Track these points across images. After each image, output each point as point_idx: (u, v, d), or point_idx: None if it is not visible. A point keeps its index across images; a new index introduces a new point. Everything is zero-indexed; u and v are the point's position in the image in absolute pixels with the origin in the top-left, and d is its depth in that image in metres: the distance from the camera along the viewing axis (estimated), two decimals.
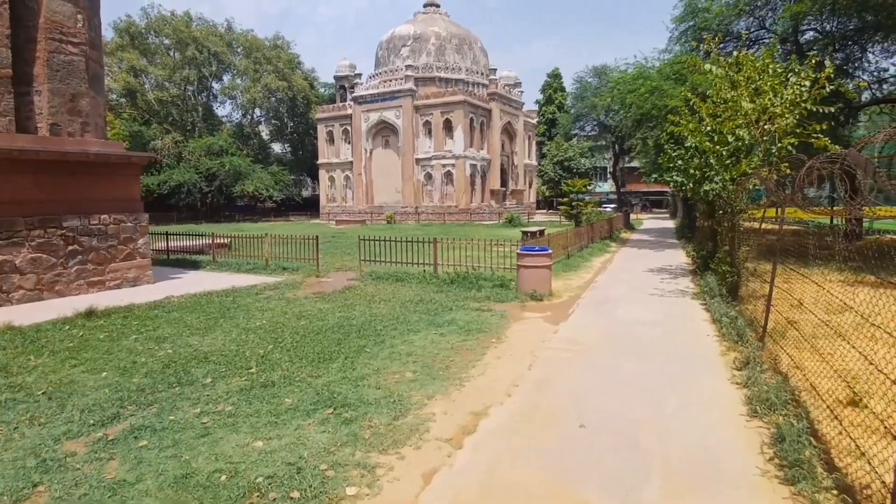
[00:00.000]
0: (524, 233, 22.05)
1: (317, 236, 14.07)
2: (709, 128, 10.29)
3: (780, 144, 8.97)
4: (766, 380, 5.20)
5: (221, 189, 48.04)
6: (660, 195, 64.39)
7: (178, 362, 5.90)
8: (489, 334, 7.37)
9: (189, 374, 5.51)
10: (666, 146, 12.60)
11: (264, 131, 63.08)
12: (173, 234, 16.81)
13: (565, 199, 23.65)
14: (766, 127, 8.98)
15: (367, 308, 9.03)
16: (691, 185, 11.45)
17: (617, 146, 53.58)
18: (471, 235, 25.76)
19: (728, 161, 9.72)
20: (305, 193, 65.57)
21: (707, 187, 10.70)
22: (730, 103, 9.37)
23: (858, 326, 4.37)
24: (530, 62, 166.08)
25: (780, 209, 6.56)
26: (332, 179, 47.89)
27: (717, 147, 9.84)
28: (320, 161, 48.50)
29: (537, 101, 64.33)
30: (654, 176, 16.36)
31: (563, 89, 61.37)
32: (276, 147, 64.91)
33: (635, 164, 51.72)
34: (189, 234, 16.87)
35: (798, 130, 9.05)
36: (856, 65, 16.94)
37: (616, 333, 7.43)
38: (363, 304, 9.36)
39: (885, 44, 16.00)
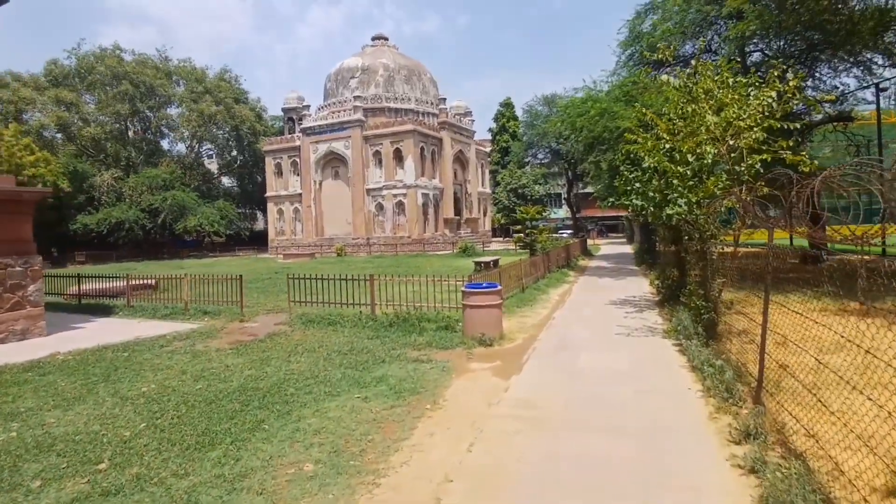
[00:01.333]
0: (477, 264, 20.74)
1: (241, 275, 12.32)
2: (668, 146, 9.32)
3: (748, 162, 7.98)
4: (777, 463, 3.88)
5: (165, 225, 45.20)
6: (615, 220, 65.03)
7: (14, 453, 4.48)
8: (424, 396, 5.91)
9: (17, 473, 4.08)
10: (622, 167, 11.62)
11: (213, 165, 60.50)
12: (87, 277, 15.18)
13: (518, 227, 22.42)
14: (731, 143, 7.98)
15: (285, 363, 7.58)
16: (652, 208, 10.41)
17: (570, 172, 53.88)
18: (421, 267, 24.24)
19: (691, 181, 8.71)
20: (258, 227, 62.87)
21: (670, 211, 9.67)
22: (690, 118, 8.38)
23: (864, 369, 3.48)
24: (481, 95, 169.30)
25: (769, 233, 5.40)
26: (280, 212, 45.75)
27: (678, 168, 8.82)
28: (268, 194, 46.38)
29: (490, 130, 64.63)
30: (611, 200, 15.48)
31: (515, 118, 61.77)
32: (227, 181, 62.36)
33: (589, 189, 51.90)
34: (105, 277, 14.80)
35: (764, 147, 8.14)
36: (805, 83, 16.70)
37: (579, 393, 6.03)
38: (281, 358, 7.88)
39: (833, 62, 15.80)
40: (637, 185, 10.91)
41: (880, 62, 15.46)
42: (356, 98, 41.01)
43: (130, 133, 51.59)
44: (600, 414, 5.29)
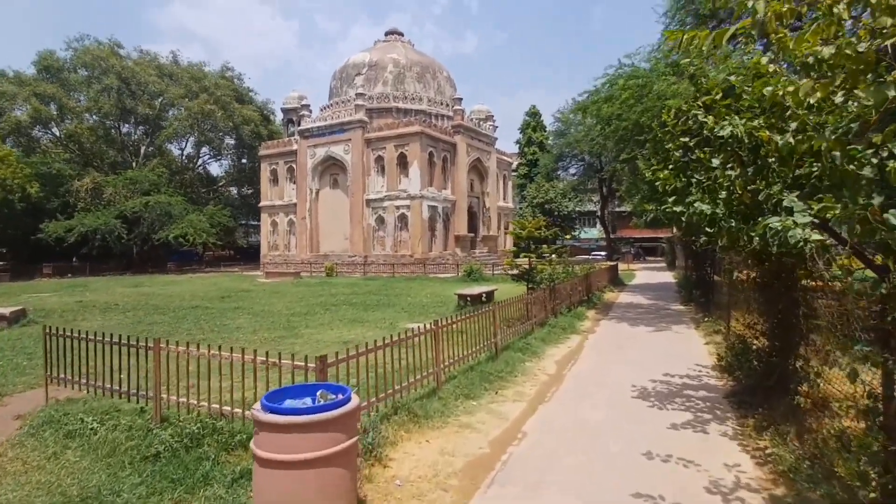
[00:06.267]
0: (461, 297, 15.27)
1: None
2: (783, 91, 3.83)
3: None
4: None
5: (149, 235, 40.98)
6: (653, 241, 58.11)
7: None
8: None
9: None
10: (667, 143, 6.14)
11: (217, 171, 57.25)
12: None
13: (512, 249, 16.68)
14: None
15: None
16: (731, 221, 4.96)
17: (605, 188, 47.82)
18: (401, 296, 18.91)
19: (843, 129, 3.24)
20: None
21: (778, 223, 4.20)
22: None
23: None
24: (515, 111, 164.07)
25: None
26: (274, 224, 41.17)
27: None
28: (262, 203, 41.79)
29: (517, 142, 59.19)
30: (650, 208, 10.09)
31: (543, 128, 56.17)
32: (235, 191, 58.73)
33: (626, 207, 45.54)
34: None
35: None
36: None
37: None
38: None
39: None
40: (697, 176, 5.52)
41: None
42: (358, 96, 36.21)
43: (123, 132, 48.02)
44: None
